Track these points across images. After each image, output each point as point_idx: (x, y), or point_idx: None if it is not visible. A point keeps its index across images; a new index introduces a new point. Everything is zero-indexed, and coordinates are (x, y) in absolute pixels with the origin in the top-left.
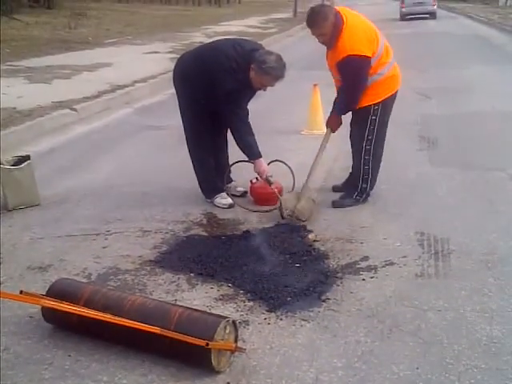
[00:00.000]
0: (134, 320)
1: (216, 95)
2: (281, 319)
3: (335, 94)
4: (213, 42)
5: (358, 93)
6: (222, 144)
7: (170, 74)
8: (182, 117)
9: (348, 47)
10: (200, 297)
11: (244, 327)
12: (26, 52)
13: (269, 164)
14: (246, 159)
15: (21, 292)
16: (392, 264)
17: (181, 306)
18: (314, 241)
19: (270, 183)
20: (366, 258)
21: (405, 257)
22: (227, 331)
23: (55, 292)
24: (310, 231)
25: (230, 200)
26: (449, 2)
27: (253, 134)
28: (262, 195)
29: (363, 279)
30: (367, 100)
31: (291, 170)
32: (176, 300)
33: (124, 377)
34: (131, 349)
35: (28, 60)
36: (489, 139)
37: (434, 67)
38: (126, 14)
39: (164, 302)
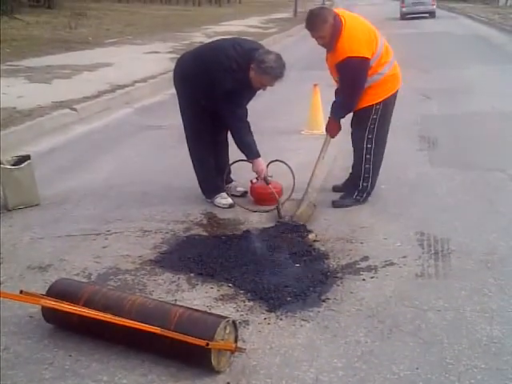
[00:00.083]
0: (135, 320)
1: (216, 95)
2: (281, 319)
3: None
4: (213, 41)
5: (357, 95)
6: (223, 144)
7: (170, 74)
8: (181, 115)
9: (347, 49)
10: (200, 297)
11: (244, 327)
12: (26, 52)
13: (269, 164)
14: (245, 159)
15: (21, 292)
16: (392, 264)
17: (181, 306)
18: (314, 241)
19: (267, 182)
20: (365, 258)
21: (405, 257)
22: (227, 331)
23: (55, 292)
24: (310, 231)
25: (230, 200)
26: (449, 2)
27: (251, 134)
28: (262, 195)
29: (363, 279)
30: (368, 100)
31: (291, 170)
32: (176, 300)
33: (124, 377)
34: (131, 349)
35: (28, 60)
36: (489, 139)
37: (434, 67)
38: (126, 13)
39: (164, 302)
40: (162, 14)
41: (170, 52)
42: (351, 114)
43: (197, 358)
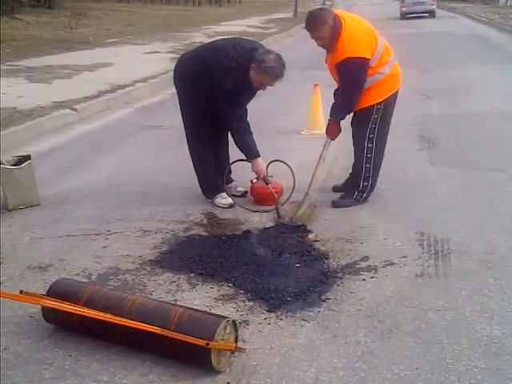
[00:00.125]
0: (135, 320)
1: (216, 95)
2: (281, 319)
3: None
4: (213, 41)
5: (357, 95)
6: (223, 145)
7: (170, 74)
8: (182, 115)
9: (347, 49)
10: (200, 297)
11: (244, 327)
12: (26, 52)
13: (269, 164)
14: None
15: (21, 292)
16: (392, 264)
17: (181, 306)
18: (314, 241)
19: (267, 182)
20: (365, 258)
21: (405, 257)
22: (227, 331)
23: (55, 292)
24: (310, 231)
25: (230, 200)
26: (449, 2)
27: (251, 134)
28: (263, 195)
29: (363, 279)
30: (369, 100)
31: (291, 170)
32: (176, 300)
33: (124, 377)
34: (131, 349)
35: (28, 60)
36: (489, 139)
37: (434, 67)
38: (126, 13)
39: (164, 302)
40: (162, 14)
41: (170, 52)
42: (351, 114)
43: (197, 357)
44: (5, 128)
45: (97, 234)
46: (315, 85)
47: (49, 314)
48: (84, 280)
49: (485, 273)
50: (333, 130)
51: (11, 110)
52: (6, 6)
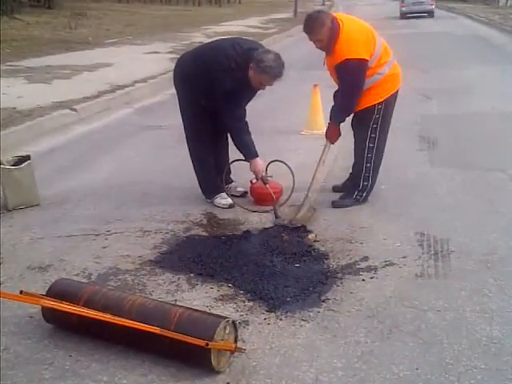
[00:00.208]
0: (134, 320)
1: (216, 95)
2: (281, 319)
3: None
4: (212, 41)
5: (356, 96)
6: (223, 145)
7: (170, 74)
8: (181, 115)
9: (345, 51)
10: (200, 297)
11: (244, 327)
12: (26, 52)
13: (269, 164)
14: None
15: (21, 292)
16: (392, 264)
17: (181, 307)
18: (314, 241)
19: (265, 182)
20: (365, 258)
21: (405, 257)
22: (227, 331)
23: (55, 292)
24: (310, 231)
25: (230, 200)
26: (448, 2)
27: (250, 134)
28: (262, 195)
29: (363, 279)
30: (370, 100)
31: (291, 170)
32: (176, 300)
33: (124, 377)
34: (131, 349)
35: (28, 60)
36: (489, 139)
37: (433, 67)
38: (126, 14)
39: (164, 302)
40: (162, 14)
41: (170, 52)
42: (351, 116)
43: (197, 358)
44: (5, 128)
45: (97, 235)
46: (315, 85)
47: (49, 314)
48: (84, 280)
49: (485, 273)
50: (333, 134)
51: (11, 110)
52: (6, 6)
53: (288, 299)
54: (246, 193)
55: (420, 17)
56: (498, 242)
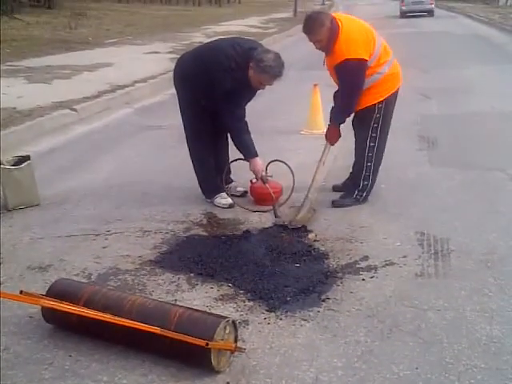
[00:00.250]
0: (135, 320)
1: (216, 95)
2: (281, 319)
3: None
4: (212, 41)
5: (356, 96)
6: (223, 145)
7: (170, 74)
8: (181, 115)
9: (345, 51)
10: (200, 297)
11: (244, 327)
12: (26, 52)
13: (268, 164)
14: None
15: (21, 292)
16: (392, 264)
17: (181, 306)
18: (314, 240)
19: (264, 182)
20: (365, 258)
21: (405, 257)
22: (227, 331)
23: (55, 292)
24: (310, 231)
25: (229, 200)
26: (448, 2)
27: (249, 133)
28: (262, 195)
29: (363, 279)
30: (370, 99)
31: (291, 170)
32: (176, 300)
33: (124, 377)
34: (131, 349)
35: (28, 60)
36: (489, 139)
37: (433, 67)
38: (126, 14)
39: (164, 302)
40: (162, 14)
41: (170, 52)
42: (351, 116)
43: (197, 357)
44: (5, 128)
45: (97, 235)
46: (315, 85)
47: (49, 314)
48: (84, 280)
49: (484, 273)
50: (333, 135)
51: (11, 110)
52: (6, 6)
53: (288, 299)
54: (245, 192)
55: (420, 16)
56: (497, 241)
